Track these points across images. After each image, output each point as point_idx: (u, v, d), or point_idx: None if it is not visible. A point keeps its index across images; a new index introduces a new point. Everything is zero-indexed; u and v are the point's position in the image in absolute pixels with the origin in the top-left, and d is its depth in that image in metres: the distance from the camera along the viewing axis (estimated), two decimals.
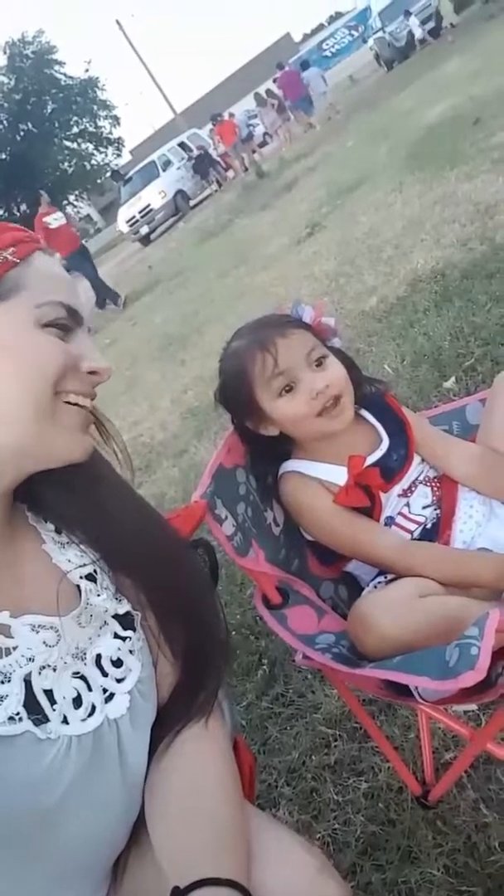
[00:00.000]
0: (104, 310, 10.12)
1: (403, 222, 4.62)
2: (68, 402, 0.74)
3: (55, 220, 9.51)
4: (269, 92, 18.07)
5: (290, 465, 1.21)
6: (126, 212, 19.82)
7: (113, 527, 0.83)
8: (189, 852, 0.72)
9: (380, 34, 19.02)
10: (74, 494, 0.81)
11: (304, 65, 17.80)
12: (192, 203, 19.57)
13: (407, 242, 4.21)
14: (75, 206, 37.72)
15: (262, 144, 20.52)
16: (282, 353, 1.12)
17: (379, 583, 1.15)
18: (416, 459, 1.21)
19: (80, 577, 0.80)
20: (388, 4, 20.22)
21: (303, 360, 1.14)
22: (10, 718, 0.67)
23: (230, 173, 19.12)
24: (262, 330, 1.16)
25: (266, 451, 1.23)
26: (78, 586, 0.80)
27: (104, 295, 10.20)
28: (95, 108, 35.71)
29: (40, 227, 9.08)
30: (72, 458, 0.76)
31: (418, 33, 16.76)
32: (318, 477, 1.17)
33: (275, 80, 18.52)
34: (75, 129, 35.55)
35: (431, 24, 17.46)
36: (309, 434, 1.18)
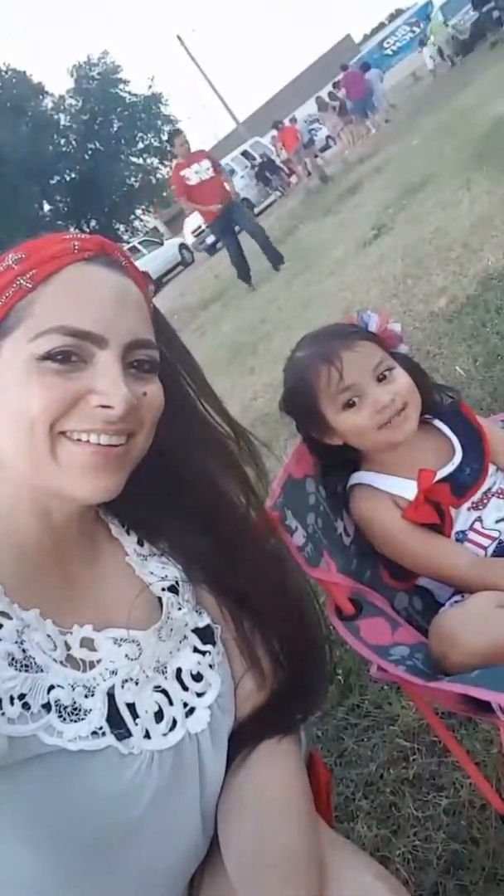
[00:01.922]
0: (278, 271, 8.38)
1: (472, 220, 4.51)
2: (79, 440, 0.68)
3: (196, 173, 7.82)
4: (330, 95, 18.02)
5: (359, 476, 1.19)
6: (192, 222, 20.08)
7: (203, 541, 0.81)
8: (258, 879, 0.70)
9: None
10: (158, 508, 0.79)
11: (364, 66, 17.65)
12: (256, 211, 19.67)
13: (476, 240, 4.11)
14: (142, 220, 38.52)
15: (325, 148, 20.46)
16: (347, 368, 1.11)
17: (456, 601, 1.12)
18: (491, 469, 1.18)
19: (162, 590, 0.80)
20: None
21: (369, 374, 1.12)
22: (94, 733, 0.67)
23: (293, 179, 19.14)
24: (327, 342, 1.15)
25: (335, 461, 1.21)
26: (159, 598, 0.80)
27: (269, 255, 8.53)
28: (159, 122, 36.41)
29: (177, 181, 7.87)
30: (83, 500, 0.71)
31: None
32: (388, 490, 1.15)
33: (335, 85, 18.44)
34: (140, 145, 36.33)
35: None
36: (373, 446, 1.17)
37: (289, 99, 43.76)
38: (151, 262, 19.25)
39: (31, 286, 0.68)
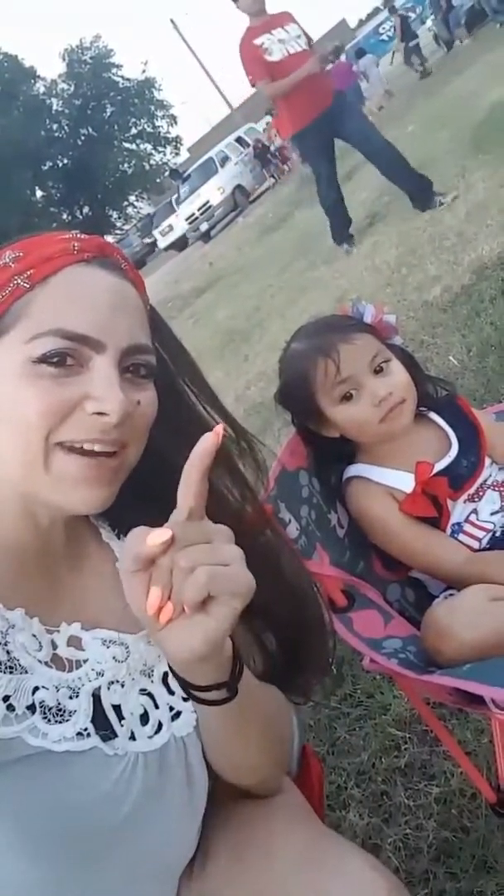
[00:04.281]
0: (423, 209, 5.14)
1: (467, 208, 4.50)
2: (73, 449, 0.66)
3: (280, 42, 4.84)
4: None
5: (356, 469, 1.19)
6: (185, 209, 19.97)
7: None
8: None
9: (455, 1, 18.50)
10: (147, 511, 0.78)
11: (360, 52, 17.52)
12: (250, 198, 19.56)
13: (471, 229, 4.10)
14: (135, 207, 38.28)
15: None
16: (345, 360, 1.10)
17: (451, 593, 1.13)
18: (487, 461, 1.18)
19: None
20: None
21: (366, 366, 1.12)
22: (79, 734, 0.67)
23: (287, 166, 19.03)
24: (324, 334, 1.14)
25: (329, 453, 1.21)
26: None
27: (409, 185, 5.26)
28: (153, 108, 36.11)
29: (251, 56, 4.84)
30: (73, 511, 0.70)
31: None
32: (384, 483, 1.15)
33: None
34: (134, 131, 36.05)
35: None
36: (371, 438, 1.17)
37: None
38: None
39: (28, 286, 0.66)
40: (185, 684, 0.64)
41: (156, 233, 22.01)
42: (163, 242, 21.34)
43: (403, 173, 5.16)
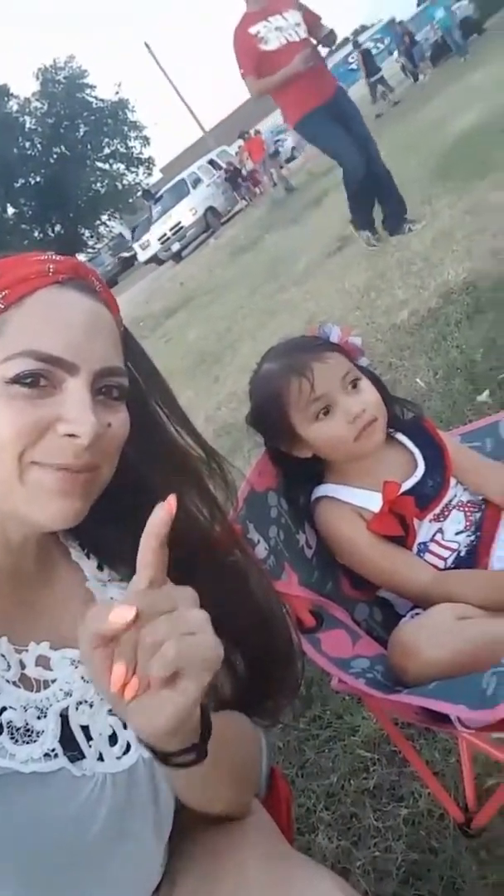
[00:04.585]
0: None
1: (433, 234, 4.60)
2: (45, 465, 0.66)
3: (277, 30, 4.50)
4: None
5: (324, 489, 1.20)
6: (157, 230, 20.06)
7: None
8: None
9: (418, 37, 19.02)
10: (117, 531, 0.78)
11: None
12: (222, 220, 19.73)
13: (437, 254, 4.19)
14: (107, 226, 38.33)
15: (290, 159, 20.65)
16: (318, 378, 1.12)
17: (417, 613, 1.14)
18: (452, 482, 1.20)
19: None
20: (412, 17, 20.28)
21: (338, 384, 1.13)
22: (46, 755, 0.66)
23: (258, 189, 19.27)
24: (296, 354, 1.16)
25: (299, 473, 1.22)
26: None
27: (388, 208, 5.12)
28: (126, 129, 36.34)
29: (245, 46, 4.54)
30: (52, 526, 0.70)
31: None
32: (352, 502, 1.17)
33: None
34: (107, 151, 36.20)
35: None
36: (342, 456, 1.18)
37: (255, 109, 44.04)
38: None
39: (2, 307, 0.66)
40: (152, 751, 0.61)
41: (136, 246, 22.07)
42: (142, 256, 21.41)
43: (390, 191, 5.01)
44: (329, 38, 4.77)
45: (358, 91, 17.05)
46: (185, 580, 0.81)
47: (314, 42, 4.64)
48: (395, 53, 19.22)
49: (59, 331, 0.67)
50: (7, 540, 0.71)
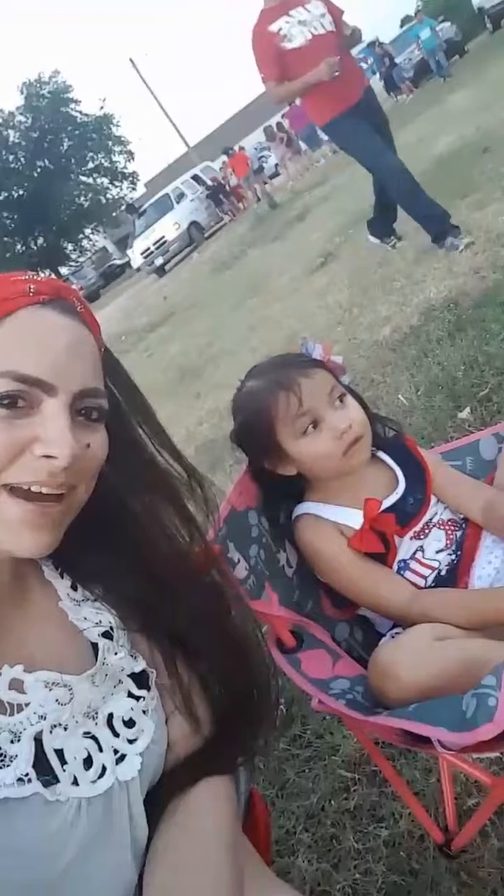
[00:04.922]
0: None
1: (415, 252, 4.64)
2: (17, 491, 0.66)
3: (301, 24, 3.98)
4: (279, 126, 18.37)
5: (305, 507, 1.20)
6: (141, 244, 20.10)
7: (140, 583, 0.80)
8: None
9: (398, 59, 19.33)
10: (93, 551, 0.78)
11: None
12: (206, 234, 19.81)
13: (419, 272, 4.23)
14: (91, 240, 38.34)
15: (274, 175, 20.83)
16: (305, 393, 1.12)
17: (397, 632, 1.14)
18: (433, 500, 1.20)
19: (98, 635, 0.79)
20: (395, 38, 20.63)
21: (325, 399, 1.14)
22: (19, 780, 0.65)
23: (242, 205, 19.41)
24: (282, 370, 1.16)
25: (280, 492, 1.22)
26: (95, 644, 0.78)
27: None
28: (110, 143, 36.45)
29: (264, 44, 4.01)
30: (18, 554, 0.69)
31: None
32: (333, 520, 1.16)
33: (283, 115, 18.88)
34: (91, 165, 36.28)
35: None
36: (329, 473, 1.18)
37: (239, 126, 44.44)
38: None
39: None
40: None
41: (129, 252, 22.02)
42: (135, 263, 21.39)
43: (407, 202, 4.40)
44: (353, 39, 4.29)
45: None
46: (164, 600, 0.81)
47: (345, 33, 4.12)
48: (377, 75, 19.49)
49: (38, 352, 0.67)
50: None
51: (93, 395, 0.71)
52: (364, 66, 19.47)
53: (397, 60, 19.18)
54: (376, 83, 18.75)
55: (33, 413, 0.67)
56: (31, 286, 0.70)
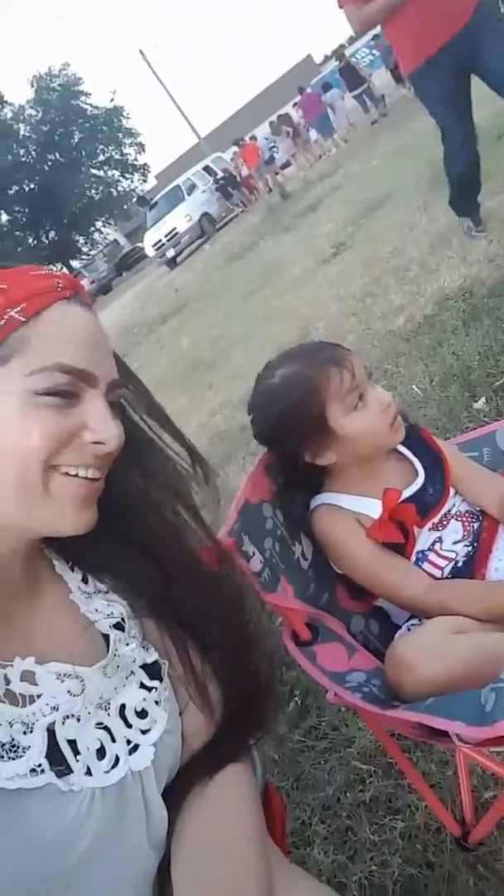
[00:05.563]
0: None
1: (429, 240, 4.60)
2: (68, 474, 0.69)
3: None
4: (283, 119, 18.20)
5: (323, 497, 1.19)
6: (152, 236, 20.07)
7: (149, 573, 0.81)
8: None
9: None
10: (103, 542, 0.79)
11: (326, 86, 17.95)
12: (217, 226, 19.76)
13: (433, 260, 4.19)
14: (102, 233, 38.36)
15: (286, 165, 20.71)
16: (356, 367, 1.13)
17: (413, 624, 1.13)
18: (451, 491, 1.19)
19: (109, 627, 0.79)
20: None
21: (365, 377, 1.15)
22: (32, 771, 0.65)
23: (254, 195, 19.31)
24: (323, 352, 1.15)
25: (300, 483, 1.21)
26: (106, 636, 0.79)
27: None
28: (121, 136, 36.44)
29: None
30: (69, 531, 0.72)
31: None
32: (352, 510, 1.16)
33: (295, 105, 18.74)
34: (101, 157, 36.28)
35: None
36: (374, 450, 1.18)
37: (250, 116, 44.26)
38: None
39: (23, 319, 0.68)
40: None
41: (146, 236, 21.92)
42: (148, 254, 21.32)
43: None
44: None
45: (349, 101, 17.15)
46: (170, 588, 0.81)
47: None
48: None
49: (80, 345, 0.70)
50: None
51: (119, 386, 0.75)
52: (377, 53, 19.26)
53: None
54: (384, 74, 18.56)
55: (78, 403, 0.70)
56: (59, 281, 0.71)
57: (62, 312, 0.70)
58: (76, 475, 0.70)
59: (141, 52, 34.24)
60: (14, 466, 0.67)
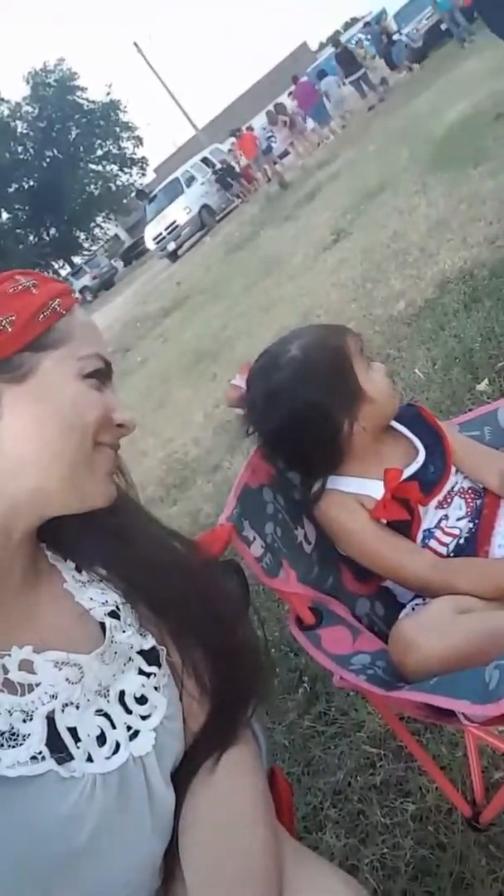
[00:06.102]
0: None
1: (429, 224, 4.57)
2: (104, 450, 0.77)
3: None
4: (279, 108, 18.05)
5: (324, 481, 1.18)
6: (152, 229, 20.01)
7: (134, 559, 0.83)
8: (219, 890, 0.71)
9: (396, 36, 18.89)
10: (92, 531, 0.81)
11: (321, 74, 17.81)
12: (217, 217, 19.68)
13: (433, 244, 4.16)
14: (102, 228, 38.30)
15: (283, 155, 20.58)
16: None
17: (417, 604, 1.12)
18: (452, 469, 1.18)
19: (104, 615, 0.80)
20: (404, 6, 20.17)
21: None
22: (33, 758, 0.66)
23: (252, 186, 19.21)
24: (324, 327, 1.23)
25: (304, 465, 1.20)
26: (102, 624, 0.79)
27: None
28: (118, 130, 36.34)
29: None
30: (100, 503, 0.77)
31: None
32: (353, 491, 1.15)
33: (290, 94, 18.61)
34: (99, 152, 36.21)
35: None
36: (390, 414, 1.19)
37: (247, 106, 43.97)
38: None
39: (63, 312, 0.75)
40: None
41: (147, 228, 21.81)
42: (150, 245, 21.29)
43: None
44: None
45: (347, 86, 17.02)
46: (153, 578, 0.83)
47: None
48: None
49: (100, 340, 0.80)
50: (8, 538, 0.73)
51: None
52: (367, 41, 19.03)
53: (405, 30, 18.69)
54: (377, 61, 18.37)
55: (104, 391, 0.77)
56: (69, 289, 0.80)
57: (80, 313, 0.79)
58: (109, 451, 0.77)
59: (136, 44, 34.07)
60: (68, 437, 0.72)
